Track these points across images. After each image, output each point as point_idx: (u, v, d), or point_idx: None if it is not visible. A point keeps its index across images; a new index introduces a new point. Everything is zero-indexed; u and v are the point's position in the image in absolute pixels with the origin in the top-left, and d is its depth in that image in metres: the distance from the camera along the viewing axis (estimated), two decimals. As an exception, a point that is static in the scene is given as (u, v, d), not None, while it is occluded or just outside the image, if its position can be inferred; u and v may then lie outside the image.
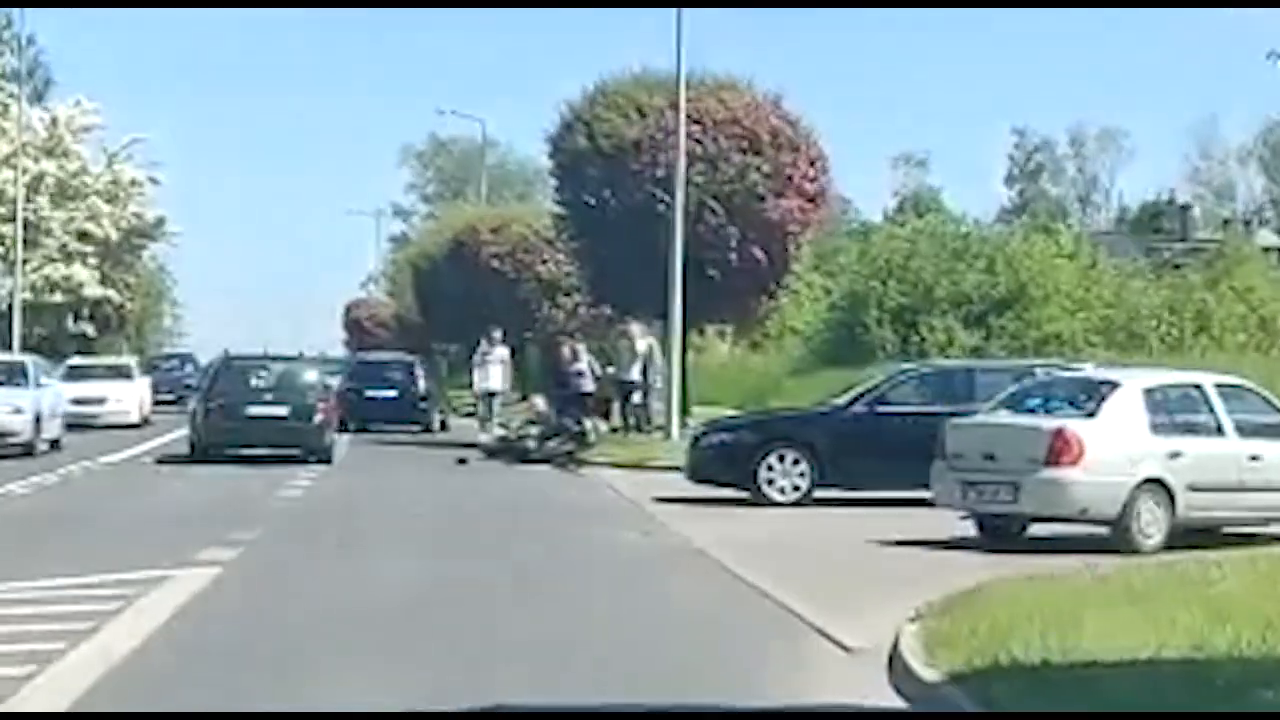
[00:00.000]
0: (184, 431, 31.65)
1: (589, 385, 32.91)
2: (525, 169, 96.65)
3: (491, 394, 34.26)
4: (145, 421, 43.06)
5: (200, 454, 29.42)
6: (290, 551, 16.84)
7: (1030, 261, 52.36)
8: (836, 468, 22.09)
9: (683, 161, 32.16)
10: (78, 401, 39.42)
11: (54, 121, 55.07)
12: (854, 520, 20.56)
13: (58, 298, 54.38)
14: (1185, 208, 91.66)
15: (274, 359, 34.25)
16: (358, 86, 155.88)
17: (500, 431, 33.47)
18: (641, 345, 33.50)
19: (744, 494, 22.26)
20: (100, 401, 41.82)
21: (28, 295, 53.38)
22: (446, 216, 69.56)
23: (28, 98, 56.66)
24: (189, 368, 57.70)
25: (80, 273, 54.54)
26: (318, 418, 30.24)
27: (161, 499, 22.93)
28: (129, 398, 42.99)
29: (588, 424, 31.25)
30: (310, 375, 32.16)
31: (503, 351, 34.96)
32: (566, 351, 34.12)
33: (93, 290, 55.24)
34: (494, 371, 34.49)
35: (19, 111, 51.88)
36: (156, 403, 47.06)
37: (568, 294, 51.31)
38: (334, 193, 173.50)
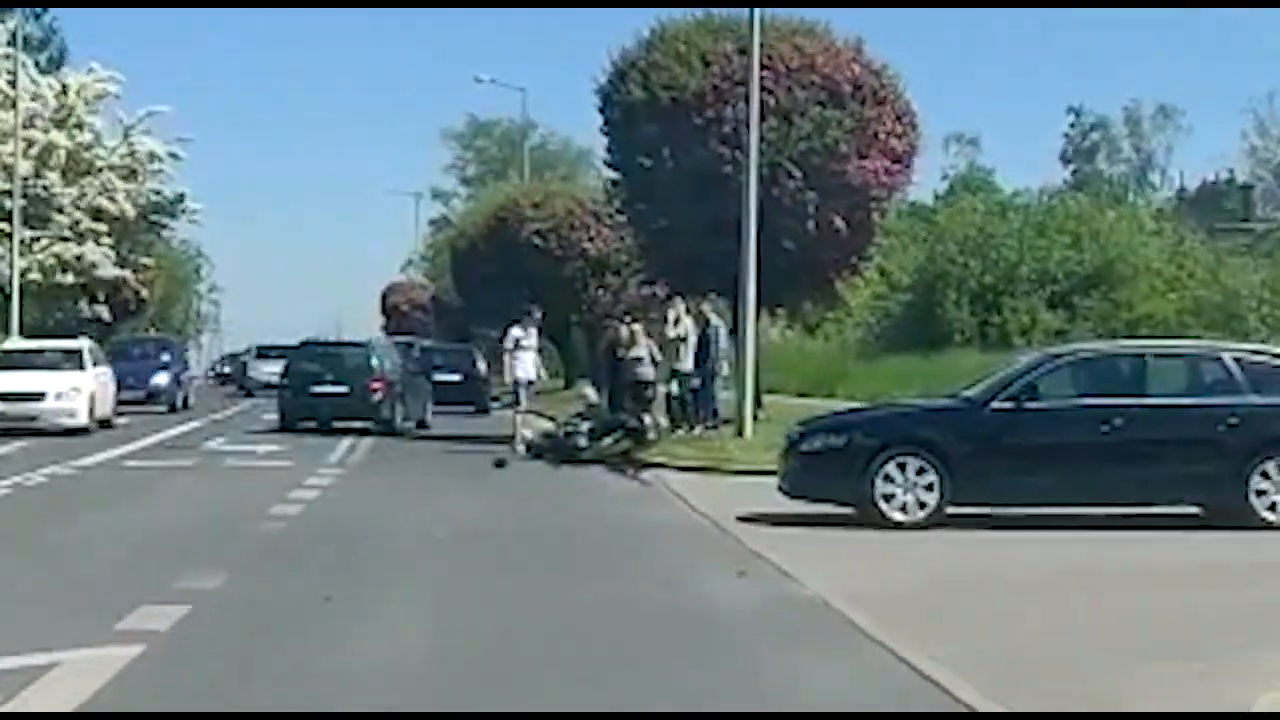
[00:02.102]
0: (156, 438, 26.65)
1: (649, 372, 27.77)
2: (569, 150, 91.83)
3: (530, 383, 29.04)
4: (104, 424, 33.50)
5: (286, 425, 33.84)
6: (257, 610, 11.70)
7: (1117, 236, 47.22)
8: (973, 478, 16.92)
9: (755, 113, 26.93)
10: (6, 398, 31.44)
11: (64, 90, 49.95)
12: (1015, 546, 15.40)
13: (69, 279, 49.20)
14: (1247, 188, 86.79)
15: (340, 344, 38.95)
16: (395, 67, 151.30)
17: (546, 425, 28.28)
18: (686, 324, 28.32)
19: (850, 510, 17.18)
20: (37, 398, 31.78)
21: (36, 276, 48.35)
22: (487, 196, 64.45)
23: (41, 67, 51.66)
24: (165, 356, 45.45)
25: (93, 252, 49.34)
26: (375, 395, 33.83)
27: (124, 520, 17.81)
28: (76, 393, 32.31)
29: (647, 419, 26.10)
30: (371, 358, 35.38)
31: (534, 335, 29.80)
32: (624, 334, 28.94)
33: (107, 271, 50.02)
34: (531, 358, 29.23)
35: (19, 73, 46.68)
36: (123, 401, 37.19)
37: (616, 272, 46.31)
38: (372, 176, 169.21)
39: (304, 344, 38.81)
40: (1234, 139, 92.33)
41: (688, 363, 27.95)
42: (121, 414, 36.40)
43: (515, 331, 29.26)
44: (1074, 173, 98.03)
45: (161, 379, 43.40)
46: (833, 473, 17.24)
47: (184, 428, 34.97)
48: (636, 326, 30.07)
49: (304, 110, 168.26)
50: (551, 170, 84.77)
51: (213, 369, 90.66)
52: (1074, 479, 16.98)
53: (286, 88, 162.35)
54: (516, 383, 28.94)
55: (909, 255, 52.39)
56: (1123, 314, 45.02)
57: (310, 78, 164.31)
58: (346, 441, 30.02)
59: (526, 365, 28.97)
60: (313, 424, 33.17)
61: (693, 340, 28.08)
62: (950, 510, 16.90)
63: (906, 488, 16.93)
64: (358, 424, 33.09)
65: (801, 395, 42.30)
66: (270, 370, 55.06)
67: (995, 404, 17.22)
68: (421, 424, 35.37)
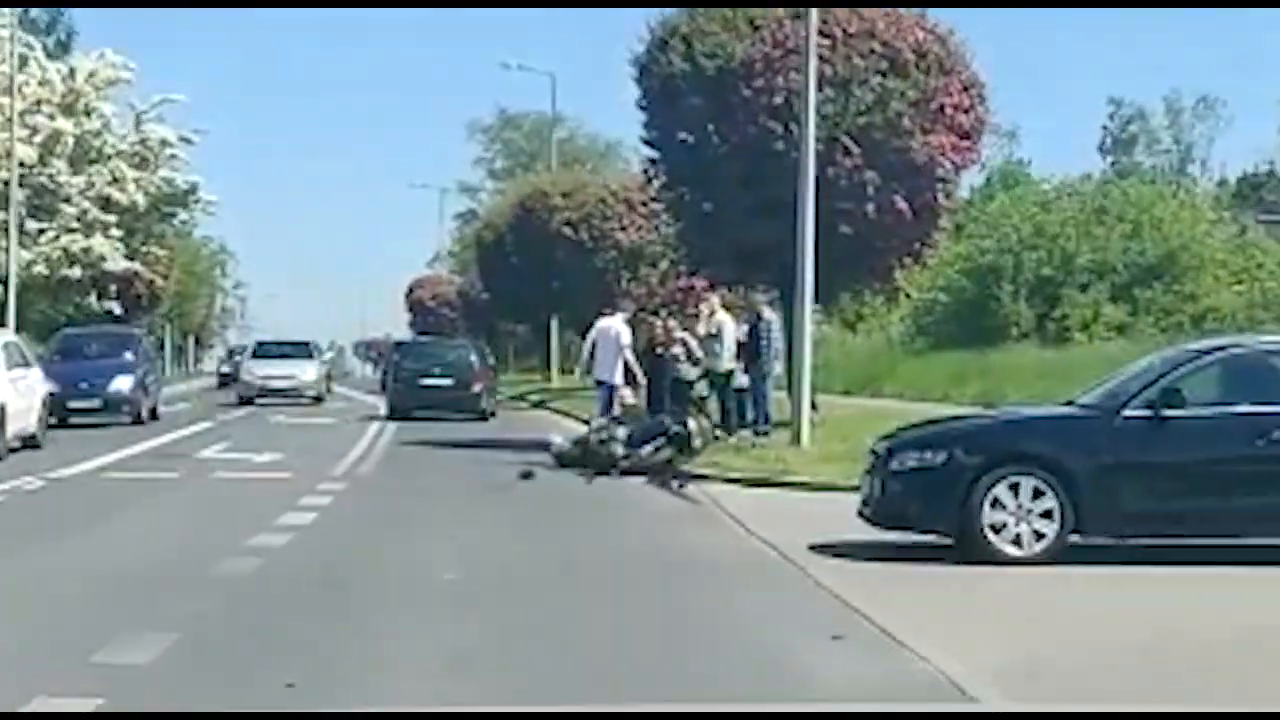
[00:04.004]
0: (98, 462, 22.86)
1: (691, 371, 24.51)
2: (597, 143, 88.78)
3: (614, 387, 25.62)
4: (27, 444, 25.27)
5: (393, 415, 36.17)
6: (190, 706, 8.41)
7: (1179, 224, 43.78)
8: (1101, 503, 13.59)
9: (813, 82, 23.59)
10: None
11: (71, 74, 46.71)
12: (1171, 588, 12.05)
13: (76, 272, 45.86)
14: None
15: (443, 343, 43.50)
16: (420, 59, 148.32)
17: (582, 429, 24.98)
18: (720, 319, 25.17)
19: (946, 539, 13.89)
20: None
21: (42, 270, 45.12)
22: (514, 186, 61.20)
23: (49, 51, 48.46)
24: (128, 354, 34.78)
25: (101, 245, 46.00)
26: (476, 387, 37.27)
27: (67, 556, 14.51)
28: None
29: (692, 424, 22.75)
30: (471, 355, 38.94)
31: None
32: (659, 329, 25.65)
33: (116, 264, 46.63)
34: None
35: (27, 57, 43.68)
36: (71, 411, 31.02)
37: (652, 264, 43.01)
38: (398, 171, 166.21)
39: (412, 343, 45.42)
40: (1273, 131, 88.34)
41: (724, 362, 24.76)
42: (80, 424, 30.88)
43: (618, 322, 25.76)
44: (1112, 164, 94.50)
45: (123, 383, 33.51)
46: (929, 497, 13.91)
47: (130, 449, 26.22)
48: (672, 322, 26.91)
49: (326, 103, 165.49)
50: (580, 163, 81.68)
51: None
52: (1226, 504, 13.63)
53: (307, 79, 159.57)
54: (602, 384, 25.44)
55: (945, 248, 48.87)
56: (1188, 307, 41.69)
57: (332, 70, 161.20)
58: (359, 448, 26.73)
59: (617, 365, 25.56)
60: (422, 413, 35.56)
61: (729, 338, 24.87)
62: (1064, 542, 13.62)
63: (1019, 515, 13.60)
64: (461, 414, 36.04)
65: (845, 394, 38.98)
66: (268, 372, 45.55)
67: (1127, 412, 13.85)
68: (492, 414, 37.65)
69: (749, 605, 11.80)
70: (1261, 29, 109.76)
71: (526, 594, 12.17)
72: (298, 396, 45.16)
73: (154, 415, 34.73)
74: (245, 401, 44.29)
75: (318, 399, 45.06)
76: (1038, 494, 13.59)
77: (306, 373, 46.35)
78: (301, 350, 48.27)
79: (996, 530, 13.58)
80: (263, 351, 48.53)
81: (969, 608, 11.69)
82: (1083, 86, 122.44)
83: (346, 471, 22.26)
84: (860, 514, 14.59)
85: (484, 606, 11.59)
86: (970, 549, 13.59)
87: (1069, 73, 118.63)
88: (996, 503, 13.59)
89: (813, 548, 14.23)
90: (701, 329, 25.40)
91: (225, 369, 65.89)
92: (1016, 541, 13.56)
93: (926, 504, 13.91)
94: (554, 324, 54.53)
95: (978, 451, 13.93)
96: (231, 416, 38.54)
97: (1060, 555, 13.45)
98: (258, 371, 45.82)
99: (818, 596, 12.02)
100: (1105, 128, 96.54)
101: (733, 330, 25.31)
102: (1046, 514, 13.58)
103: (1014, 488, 13.61)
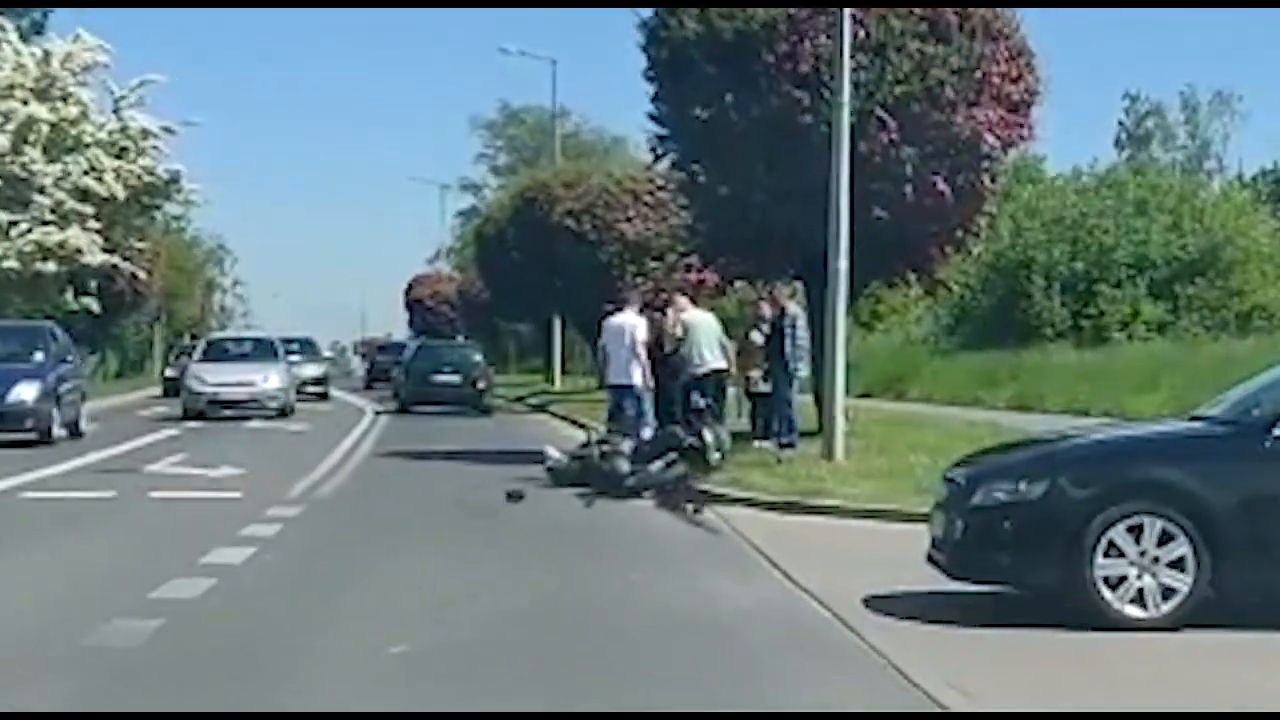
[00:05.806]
0: (22, 479, 19.10)
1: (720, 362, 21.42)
2: (602, 139, 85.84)
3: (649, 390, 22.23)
4: None
5: (403, 408, 39.75)
6: None
7: (1222, 216, 40.56)
8: (1249, 551, 10.33)
9: (847, 48, 20.29)
10: None
11: (46, 58, 43.42)
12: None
13: (51, 267, 42.48)
14: (1308, 174, 79.88)
15: (452, 344, 47.59)
16: (423, 55, 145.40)
17: (582, 438, 21.66)
18: (688, 319, 22.03)
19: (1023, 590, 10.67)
20: None
21: (15, 265, 41.77)
22: (516, 181, 58.02)
23: (21, 31, 45.12)
24: (38, 355, 27.49)
25: (78, 238, 42.63)
26: (480, 384, 40.07)
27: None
28: None
29: (708, 435, 19.41)
30: (476, 355, 42.05)
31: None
32: (670, 322, 22.38)
33: (94, 258, 43.22)
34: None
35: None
36: None
37: (659, 257, 39.84)
38: (401, 166, 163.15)
39: (422, 344, 46.71)
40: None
41: (703, 365, 21.57)
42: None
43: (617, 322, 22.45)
44: (1128, 159, 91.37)
45: (25, 391, 25.95)
46: (1024, 541, 10.58)
47: (68, 463, 22.46)
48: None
49: (326, 99, 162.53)
50: (585, 158, 78.58)
51: None
52: None
53: (307, 72, 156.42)
54: (613, 389, 22.08)
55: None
56: (1234, 304, 38.48)
57: (334, 64, 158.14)
58: (330, 460, 23.34)
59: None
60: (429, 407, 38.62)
61: (704, 339, 21.75)
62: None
63: (1142, 566, 10.33)
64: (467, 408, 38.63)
65: (865, 396, 35.82)
66: (219, 379, 36.09)
67: (1279, 431, 10.55)
68: (489, 409, 39.80)
69: (797, 695, 8.48)
70: (1278, 24, 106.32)
71: (499, 677, 8.88)
72: (258, 409, 35.73)
73: (74, 431, 27.54)
74: (191, 415, 34.96)
75: (282, 411, 36.02)
76: (1166, 537, 10.33)
77: (268, 379, 36.58)
78: (263, 351, 39.00)
79: (1113, 585, 10.31)
80: (214, 353, 38.79)
81: (1099, 699, 8.36)
82: (1098, 82, 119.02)
83: (306, 491, 18.77)
84: (931, 559, 11.31)
85: (439, 699, 8.29)
86: (1079, 608, 10.32)
87: (1084, 68, 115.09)
88: (1113, 548, 10.33)
89: (869, 602, 11.01)
90: (668, 332, 22.23)
91: (170, 373, 50.32)
92: (1139, 600, 10.30)
93: (1020, 550, 10.60)
94: (556, 322, 51.39)
95: (1088, 482, 10.61)
96: (198, 422, 34.14)
97: (1192, 617, 10.21)
98: (207, 378, 36.19)
99: (888, 681, 8.75)
100: (1121, 123, 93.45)
101: (709, 328, 22.24)
102: (1176, 563, 10.32)
103: (1135, 530, 10.35)
